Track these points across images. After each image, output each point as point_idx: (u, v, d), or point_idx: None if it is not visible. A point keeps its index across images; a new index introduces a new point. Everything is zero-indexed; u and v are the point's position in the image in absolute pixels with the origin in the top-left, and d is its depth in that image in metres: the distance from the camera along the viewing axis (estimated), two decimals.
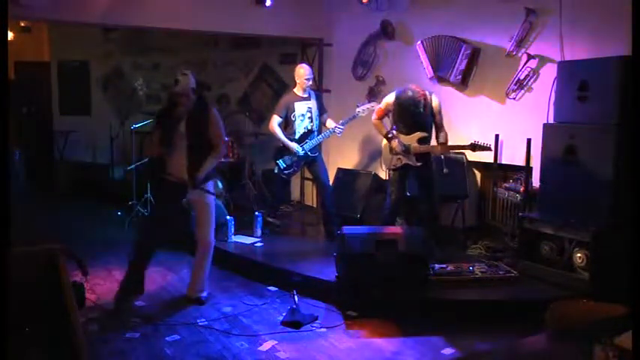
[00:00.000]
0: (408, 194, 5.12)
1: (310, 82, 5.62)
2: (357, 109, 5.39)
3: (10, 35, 8.36)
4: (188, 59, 8.85)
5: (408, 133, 4.83)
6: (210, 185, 4.27)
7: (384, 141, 4.98)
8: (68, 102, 8.85)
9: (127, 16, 5.99)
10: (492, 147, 4.65)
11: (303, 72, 5.58)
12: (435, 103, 4.77)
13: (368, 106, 5.35)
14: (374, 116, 5.02)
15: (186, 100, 4.04)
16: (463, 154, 5.58)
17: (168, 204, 4.35)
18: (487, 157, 5.45)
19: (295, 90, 5.65)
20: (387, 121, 5.05)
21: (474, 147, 4.58)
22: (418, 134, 4.78)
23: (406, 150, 4.78)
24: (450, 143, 4.83)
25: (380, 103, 5.09)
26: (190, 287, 4.40)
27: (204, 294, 4.39)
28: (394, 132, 4.89)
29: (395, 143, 4.82)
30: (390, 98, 4.89)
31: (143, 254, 4.27)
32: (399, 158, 4.85)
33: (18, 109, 8.75)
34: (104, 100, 9.22)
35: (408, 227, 5.12)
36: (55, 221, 6.96)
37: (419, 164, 4.80)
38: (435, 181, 4.96)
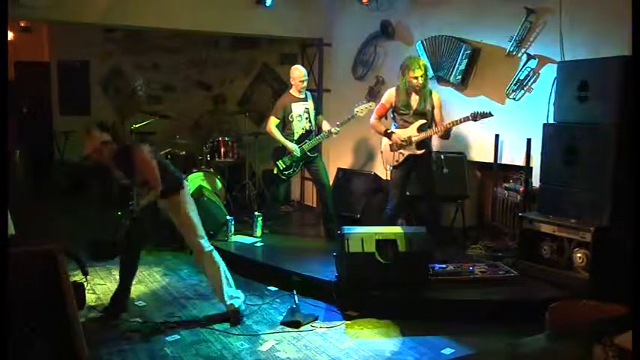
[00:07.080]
0: (408, 193, 5.13)
1: (305, 84, 5.62)
2: (355, 109, 5.38)
3: (10, 35, 8.36)
4: (188, 59, 8.85)
5: (408, 126, 4.86)
6: None
7: (384, 140, 4.98)
8: (68, 102, 8.83)
9: (127, 16, 6.00)
10: (492, 113, 4.65)
11: (298, 74, 5.58)
12: (436, 97, 4.90)
13: (366, 105, 5.34)
14: (373, 116, 5.01)
15: (100, 155, 3.76)
16: (463, 153, 5.59)
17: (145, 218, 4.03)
18: (487, 157, 5.47)
19: (291, 91, 5.65)
20: (385, 122, 5.07)
21: (475, 116, 4.61)
22: (419, 122, 4.83)
23: (407, 140, 4.81)
24: (449, 142, 4.83)
25: (377, 104, 5.10)
26: (220, 299, 4.05)
27: (238, 301, 4.02)
28: (392, 129, 4.93)
29: (395, 136, 4.84)
30: (391, 90, 4.96)
31: (127, 263, 4.12)
32: (401, 152, 4.87)
33: (18, 109, 8.73)
34: (104, 100, 9.21)
35: (408, 227, 5.12)
36: (55, 221, 6.95)
37: (421, 152, 4.85)
38: (434, 172, 5.07)
